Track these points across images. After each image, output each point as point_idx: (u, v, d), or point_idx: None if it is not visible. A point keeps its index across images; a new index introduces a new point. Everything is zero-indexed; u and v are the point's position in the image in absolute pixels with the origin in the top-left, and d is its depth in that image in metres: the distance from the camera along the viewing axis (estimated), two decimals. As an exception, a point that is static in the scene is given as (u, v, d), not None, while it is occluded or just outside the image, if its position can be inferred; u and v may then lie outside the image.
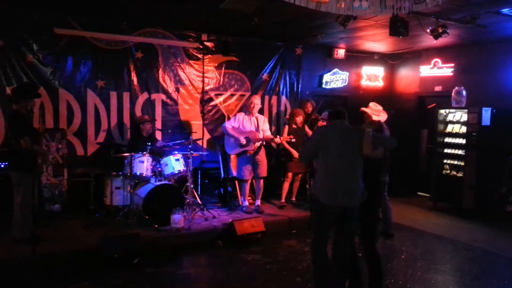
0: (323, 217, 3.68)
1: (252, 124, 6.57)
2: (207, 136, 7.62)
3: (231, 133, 6.49)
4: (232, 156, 6.90)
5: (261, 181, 6.66)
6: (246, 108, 6.97)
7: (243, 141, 6.42)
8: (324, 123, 6.80)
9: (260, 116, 6.75)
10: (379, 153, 3.77)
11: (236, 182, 7.02)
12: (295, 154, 6.71)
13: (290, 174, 7.00)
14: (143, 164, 5.85)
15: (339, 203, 3.56)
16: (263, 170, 6.60)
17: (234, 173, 6.91)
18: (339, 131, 3.74)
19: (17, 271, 4.40)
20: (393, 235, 5.95)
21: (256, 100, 6.74)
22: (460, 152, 7.38)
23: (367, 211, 3.78)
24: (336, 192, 3.58)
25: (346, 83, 9.02)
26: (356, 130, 3.77)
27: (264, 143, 6.67)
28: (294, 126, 7.00)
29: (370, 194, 3.74)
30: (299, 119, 7.00)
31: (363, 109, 5.85)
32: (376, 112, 5.81)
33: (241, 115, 6.66)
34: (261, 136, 6.53)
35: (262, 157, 6.61)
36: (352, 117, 3.97)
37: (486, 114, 7.06)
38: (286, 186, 7.05)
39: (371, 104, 5.87)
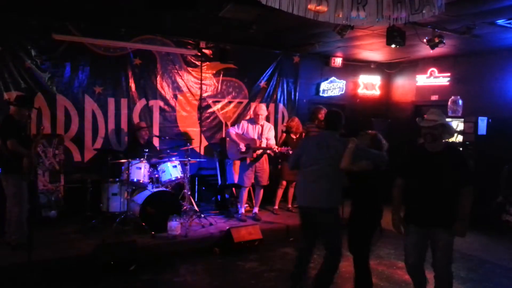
0: (300, 216, 4.15)
1: (256, 131, 6.52)
2: (204, 143, 7.62)
3: (234, 138, 6.46)
4: (237, 161, 6.88)
5: (261, 189, 6.64)
6: (251, 117, 6.92)
7: (243, 149, 6.39)
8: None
9: (266, 124, 6.63)
10: (361, 167, 3.74)
11: (234, 189, 6.99)
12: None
13: (284, 182, 7.05)
14: (140, 171, 5.85)
15: (305, 202, 3.98)
16: (264, 179, 6.57)
17: (236, 177, 6.89)
18: (317, 141, 3.98)
19: (13, 277, 4.36)
20: None
21: (262, 111, 6.50)
22: (456, 161, 7.40)
23: (356, 225, 3.96)
24: (303, 193, 4.01)
25: (343, 92, 9.07)
26: (340, 142, 3.84)
27: (268, 151, 6.51)
28: (293, 136, 7.01)
29: (361, 211, 3.90)
30: (297, 132, 7.01)
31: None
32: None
33: (246, 123, 6.60)
34: (264, 144, 6.44)
35: (263, 165, 6.55)
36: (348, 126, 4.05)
37: (482, 124, 7.10)
38: (279, 193, 7.11)
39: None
